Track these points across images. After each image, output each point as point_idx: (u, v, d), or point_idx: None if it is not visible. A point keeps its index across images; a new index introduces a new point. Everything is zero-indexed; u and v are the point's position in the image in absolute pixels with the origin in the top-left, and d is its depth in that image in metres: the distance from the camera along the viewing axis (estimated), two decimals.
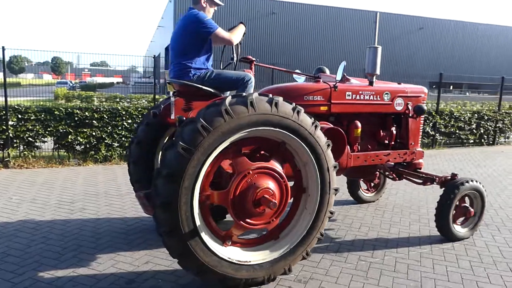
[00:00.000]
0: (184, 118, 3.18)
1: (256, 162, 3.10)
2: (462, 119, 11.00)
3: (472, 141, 11.37)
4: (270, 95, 3.04)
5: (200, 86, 3.47)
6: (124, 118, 7.84)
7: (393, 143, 4.54)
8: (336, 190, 3.39)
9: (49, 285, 3.12)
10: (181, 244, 2.84)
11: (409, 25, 39.43)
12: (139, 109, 8.05)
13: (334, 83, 4.01)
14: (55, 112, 7.41)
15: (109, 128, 7.76)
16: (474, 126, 11.24)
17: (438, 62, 40.99)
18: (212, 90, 3.51)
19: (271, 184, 3.09)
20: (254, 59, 3.96)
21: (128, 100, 15.06)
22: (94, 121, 7.61)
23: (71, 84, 41.28)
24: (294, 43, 36.00)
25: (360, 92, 4.17)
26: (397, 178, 4.77)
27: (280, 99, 3.04)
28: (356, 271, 3.51)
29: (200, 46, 3.55)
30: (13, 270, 3.36)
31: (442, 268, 3.63)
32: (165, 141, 4.39)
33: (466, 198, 4.30)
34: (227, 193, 3.00)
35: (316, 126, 3.19)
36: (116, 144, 7.91)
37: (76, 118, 7.51)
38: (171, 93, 3.95)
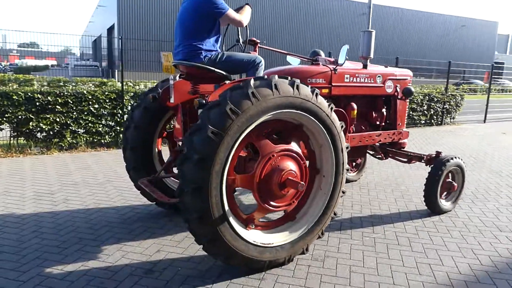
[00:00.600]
0: (204, 101, 3.10)
1: (279, 145, 3.10)
2: (415, 101, 11.69)
3: (423, 121, 12.15)
4: (289, 78, 3.04)
5: (212, 68, 3.36)
6: (90, 103, 7.38)
7: (383, 124, 4.74)
8: (348, 170, 3.50)
9: (62, 281, 2.93)
10: (211, 230, 2.79)
11: (354, 10, 40.67)
12: (106, 93, 7.61)
13: (335, 66, 4.08)
14: (13, 97, 6.80)
15: (75, 113, 7.27)
16: (425, 107, 12.00)
17: (380, 46, 42.93)
18: (224, 73, 3.42)
19: (293, 166, 3.12)
20: (258, 41, 3.90)
21: (74, 83, 14.23)
22: (57, 106, 7.09)
23: (0, 67, 37.83)
24: (287, 26, 36.53)
25: (357, 75, 4.28)
26: (384, 158, 5.01)
27: (299, 81, 3.05)
28: (365, 247, 3.67)
29: (211, 27, 3.42)
30: (14, 268, 3.10)
31: (439, 239, 3.90)
32: (162, 125, 4.24)
33: (449, 174, 4.63)
34: (252, 176, 2.98)
35: (332, 109, 3.25)
36: (82, 131, 7.46)
37: (37, 103, 6.95)
38: (171, 76, 3.80)
